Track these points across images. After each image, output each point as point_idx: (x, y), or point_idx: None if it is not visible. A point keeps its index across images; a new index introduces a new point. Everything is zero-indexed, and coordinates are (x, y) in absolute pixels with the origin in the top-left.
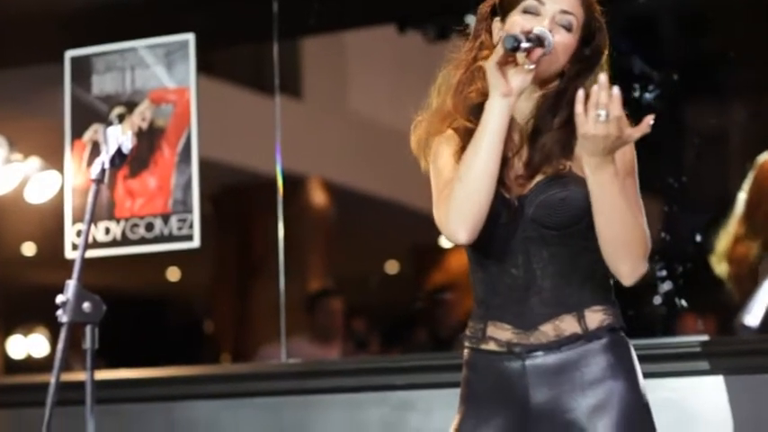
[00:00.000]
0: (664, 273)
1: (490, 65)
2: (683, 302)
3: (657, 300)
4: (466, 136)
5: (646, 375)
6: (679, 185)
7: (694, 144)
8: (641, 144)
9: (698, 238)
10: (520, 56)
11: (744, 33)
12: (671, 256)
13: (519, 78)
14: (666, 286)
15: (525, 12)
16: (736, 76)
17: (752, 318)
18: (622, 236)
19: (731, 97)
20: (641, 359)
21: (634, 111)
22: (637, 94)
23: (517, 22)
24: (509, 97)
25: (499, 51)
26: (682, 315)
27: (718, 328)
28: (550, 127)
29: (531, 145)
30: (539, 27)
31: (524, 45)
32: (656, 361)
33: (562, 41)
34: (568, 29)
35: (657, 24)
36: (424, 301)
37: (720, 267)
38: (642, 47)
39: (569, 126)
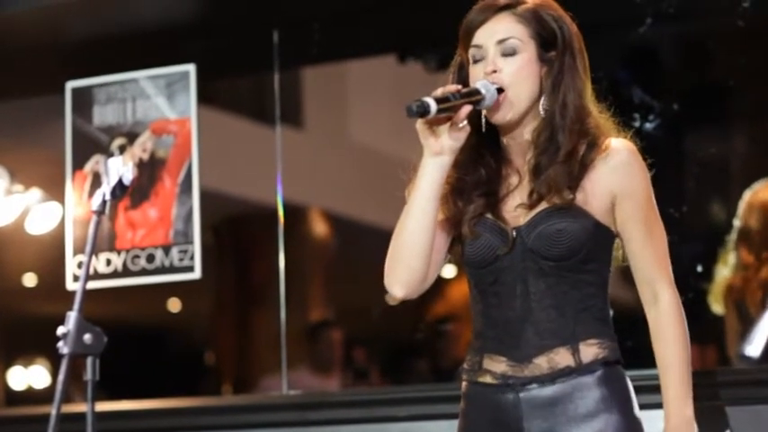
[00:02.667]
0: None
1: (418, 125)
2: None
3: None
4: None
5: (645, 407)
6: (680, 215)
7: (695, 173)
8: None
9: (699, 268)
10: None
11: (744, 62)
12: None
13: (451, 137)
14: None
15: (474, 61)
16: (737, 105)
17: (753, 348)
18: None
19: (732, 126)
20: (640, 390)
21: (635, 140)
22: (637, 123)
23: (472, 74)
24: (441, 156)
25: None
26: None
27: (719, 358)
28: (554, 159)
29: (535, 177)
30: (478, 84)
31: (434, 108)
32: (655, 392)
33: (513, 68)
34: (513, 53)
35: (658, 54)
36: (425, 332)
37: (719, 298)
38: (642, 76)
39: (574, 157)
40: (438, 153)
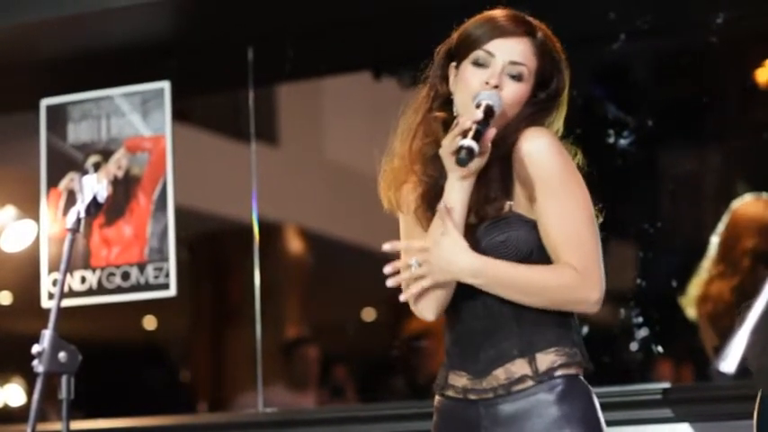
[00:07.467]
0: (640, 319)
1: (444, 153)
2: (660, 348)
3: (634, 346)
4: (424, 194)
5: (613, 423)
6: (654, 231)
7: (669, 189)
8: (616, 191)
9: (674, 283)
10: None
11: (717, 78)
12: (647, 302)
13: (476, 161)
14: (643, 332)
15: (475, 63)
16: (710, 122)
17: (727, 364)
18: (542, 303)
19: (705, 142)
20: (609, 406)
21: (609, 157)
22: (611, 139)
23: (467, 74)
24: (469, 179)
25: (455, 143)
26: (658, 361)
27: (695, 373)
28: (487, 169)
29: (476, 191)
30: (485, 97)
31: (477, 149)
32: (624, 408)
33: (511, 94)
34: (518, 79)
35: (631, 70)
36: (401, 349)
37: (694, 312)
38: (616, 92)
39: (504, 163)
40: (465, 177)
